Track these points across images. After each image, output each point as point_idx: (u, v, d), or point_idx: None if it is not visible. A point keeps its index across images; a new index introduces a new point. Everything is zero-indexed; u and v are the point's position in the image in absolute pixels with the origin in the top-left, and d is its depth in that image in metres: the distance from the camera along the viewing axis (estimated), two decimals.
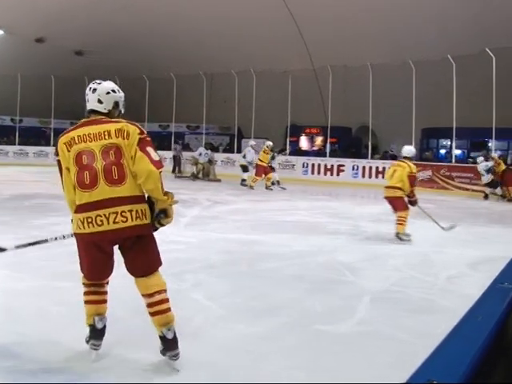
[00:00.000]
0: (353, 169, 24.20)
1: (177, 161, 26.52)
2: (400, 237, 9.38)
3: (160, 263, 3.95)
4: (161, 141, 29.52)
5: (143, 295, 3.87)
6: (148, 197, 3.87)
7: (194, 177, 23.18)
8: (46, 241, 4.34)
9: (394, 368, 3.74)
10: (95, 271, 3.93)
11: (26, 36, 29.73)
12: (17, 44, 30.17)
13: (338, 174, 24.53)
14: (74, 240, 3.96)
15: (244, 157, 21.24)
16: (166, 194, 3.84)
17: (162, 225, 3.94)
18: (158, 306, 3.81)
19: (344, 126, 30.56)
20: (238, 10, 26.31)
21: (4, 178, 20.35)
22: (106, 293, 4.04)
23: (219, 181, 23.07)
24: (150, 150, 3.79)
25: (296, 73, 27.21)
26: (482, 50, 20.61)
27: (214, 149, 27.75)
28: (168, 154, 26.39)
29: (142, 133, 3.82)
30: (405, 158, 9.97)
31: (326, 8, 24.61)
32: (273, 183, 20.05)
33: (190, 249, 7.88)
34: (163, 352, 3.84)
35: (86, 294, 3.99)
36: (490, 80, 20.09)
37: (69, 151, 3.80)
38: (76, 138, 3.81)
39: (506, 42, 20.39)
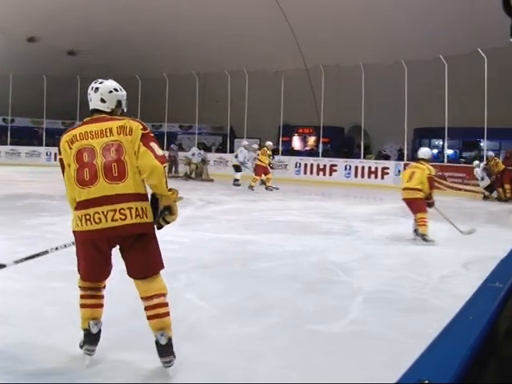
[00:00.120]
0: (345, 169, 24.23)
1: (173, 161, 26.49)
2: (425, 238, 9.33)
3: (161, 266, 3.87)
4: None
5: (141, 298, 3.80)
6: (152, 194, 3.81)
7: (187, 177, 23.16)
8: (46, 252, 4.23)
9: (386, 368, 3.74)
10: (91, 272, 3.85)
11: (18, 35, 29.65)
12: (8, 43, 30.08)
13: (330, 174, 24.56)
14: (70, 240, 3.94)
15: (236, 157, 21.23)
16: (170, 190, 3.78)
17: (167, 222, 3.87)
18: (154, 310, 3.74)
19: (336, 126, 30.58)
20: (231, 10, 26.33)
21: None
22: (102, 297, 3.97)
23: (212, 181, 23.07)
24: (153, 145, 3.75)
25: (289, 73, 27.21)
26: (474, 51, 20.67)
27: (207, 149, 27.78)
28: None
29: (144, 128, 3.79)
30: (421, 159, 9.98)
31: (319, 8, 24.65)
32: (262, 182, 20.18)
33: (183, 249, 7.88)
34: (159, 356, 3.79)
35: (82, 297, 3.91)
36: (481, 80, 20.15)
37: (70, 148, 3.77)
38: (78, 136, 3.79)
39: (498, 43, 20.43)
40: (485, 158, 19.56)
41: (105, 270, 3.88)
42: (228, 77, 27.82)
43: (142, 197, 3.74)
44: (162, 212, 3.81)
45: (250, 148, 21.35)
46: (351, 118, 27.59)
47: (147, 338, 3.81)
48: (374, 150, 29.15)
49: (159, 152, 3.77)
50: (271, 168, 20.20)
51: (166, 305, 3.79)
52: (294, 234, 10.14)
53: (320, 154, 26.63)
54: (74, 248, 3.89)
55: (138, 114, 27.92)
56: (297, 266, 7.37)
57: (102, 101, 3.92)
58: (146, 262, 3.79)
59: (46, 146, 32.07)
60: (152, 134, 3.87)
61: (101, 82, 4.01)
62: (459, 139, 28.53)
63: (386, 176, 23.30)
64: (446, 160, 23.54)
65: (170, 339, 3.73)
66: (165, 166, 3.75)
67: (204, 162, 24.07)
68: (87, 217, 3.65)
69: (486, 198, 18.60)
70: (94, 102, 3.94)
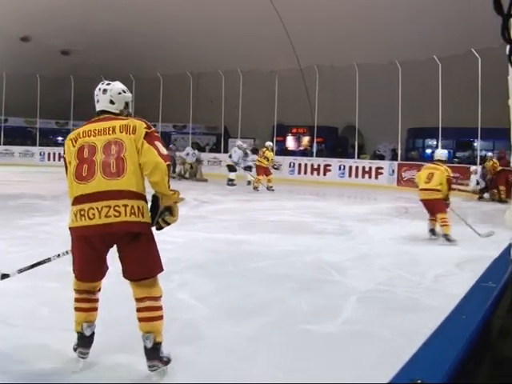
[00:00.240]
0: (339, 168, 24.27)
1: (172, 161, 26.48)
2: (448, 238, 9.39)
3: (159, 269, 3.80)
4: None
5: (134, 298, 3.75)
6: (153, 195, 3.75)
7: (181, 176, 23.15)
8: (49, 260, 4.16)
9: (380, 367, 3.73)
10: (85, 271, 3.77)
11: (12, 34, 29.54)
12: (2, 42, 29.98)
13: (324, 174, 24.60)
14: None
15: (230, 157, 21.24)
16: (171, 190, 3.76)
17: (167, 223, 3.80)
18: (144, 313, 3.70)
19: (330, 126, 30.62)
20: (225, 9, 26.31)
21: None
22: (97, 300, 3.91)
23: (206, 181, 23.05)
24: (157, 143, 3.73)
25: (283, 73, 27.21)
26: (468, 51, 20.72)
27: (201, 149, 27.77)
28: None
29: (148, 127, 3.78)
30: (439, 161, 10.05)
31: (313, 8, 24.65)
32: (249, 183, 20.36)
33: (177, 249, 7.85)
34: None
35: (76, 300, 3.86)
36: (475, 80, 20.20)
37: (74, 146, 3.78)
38: (81, 134, 3.81)
39: (492, 43, 20.47)
40: (479, 158, 19.57)
41: (99, 269, 3.81)
42: (222, 77, 27.80)
43: (139, 196, 3.67)
44: (163, 212, 3.75)
45: (243, 148, 21.35)
46: (345, 117, 27.62)
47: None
48: (367, 150, 29.19)
49: (163, 150, 3.75)
50: (276, 168, 20.23)
51: (158, 308, 3.74)
52: (288, 233, 10.15)
53: (314, 154, 26.69)
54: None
55: (132, 113, 27.89)
56: (290, 266, 7.36)
57: (111, 102, 3.94)
58: (141, 263, 3.72)
59: (40, 145, 32.04)
60: (157, 134, 3.86)
61: (108, 84, 4.03)
62: (453, 139, 28.59)
63: (380, 176, 23.35)
64: None
65: (157, 344, 3.67)
66: (168, 165, 3.71)
67: (198, 161, 24.07)
68: (82, 212, 3.61)
69: (480, 198, 18.66)
70: (103, 104, 3.95)
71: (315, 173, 24.83)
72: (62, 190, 15.51)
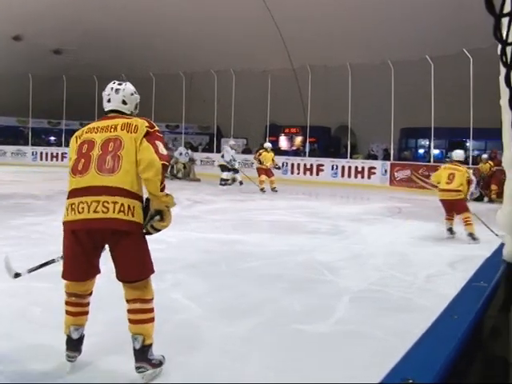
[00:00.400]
0: (332, 168, 24.30)
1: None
2: (474, 237, 9.55)
3: (150, 271, 3.74)
4: None
5: (125, 299, 3.71)
6: (146, 197, 3.69)
7: (174, 176, 23.13)
8: (53, 261, 4.11)
9: (372, 367, 3.75)
10: (71, 268, 3.69)
11: (3, 33, 29.40)
12: None
13: (317, 174, 24.62)
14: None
15: (222, 156, 21.25)
16: (166, 194, 3.69)
17: (156, 229, 3.71)
18: (134, 315, 3.67)
19: (323, 126, 30.65)
20: (218, 9, 26.29)
21: None
22: (86, 304, 3.85)
23: (199, 180, 23.06)
24: (158, 142, 3.70)
25: (275, 72, 27.21)
26: (460, 51, 20.81)
27: (194, 148, 27.76)
28: None
29: (151, 126, 3.76)
30: (457, 161, 10.25)
31: (305, 8, 24.67)
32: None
33: (170, 248, 7.85)
34: None
35: (66, 303, 3.80)
36: (467, 81, 20.29)
37: (77, 143, 3.80)
38: (85, 130, 3.83)
39: (483, 43, 20.54)
40: (471, 158, 19.59)
41: (86, 269, 3.71)
42: (215, 76, 27.80)
43: (132, 195, 3.59)
44: (153, 216, 3.65)
45: (236, 148, 21.38)
46: (338, 117, 27.67)
47: None
48: (360, 150, 29.23)
49: (162, 150, 3.71)
50: (277, 168, 20.23)
51: (148, 311, 3.70)
52: (281, 233, 10.15)
53: (307, 154, 26.70)
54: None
55: None
56: (283, 266, 7.37)
57: (124, 102, 3.96)
58: (131, 265, 3.67)
59: (32, 145, 31.94)
60: (159, 134, 3.83)
61: (120, 84, 4.04)
62: (445, 139, 28.68)
63: (372, 176, 23.39)
64: (432, 160, 23.65)
65: (145, 346, 3.65)
66: (164, 165, 3.64)
67: (191, 161, 24.08)
68: (73, 206, 3.59)
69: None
70: (115, 103, 3.95)
71: (308, 173, 24.86)
72: (54, 189, 15.59)
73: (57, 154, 30.86)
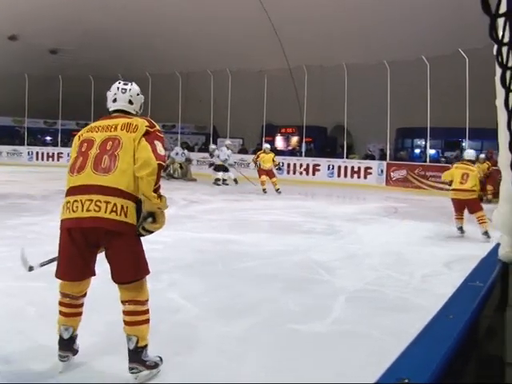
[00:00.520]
0: (328, 168, 24.32)
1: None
2: (489, 235, 9.64)
3: (144, 272, 3.70)
4: None
5: (120, 300, 3.69)
6: (139, 199, 3.62)
7: (170, 176, 23.12)
8: (54, 259, 4.08)
9: (368, 367, 3.75)
10: (65, 267, 3.66)
11: None
12: None
13: (313, 174, 24.64)
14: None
15: (218, 156, 21.30)
16: (159, 196, 3.62)
17: (148, 231, 3.66)
18: (128, 316, 3.65)
19: (319, 126, 30.66)
20: (214, 9, 26.25)
21: None
22: (80, 306, 3.82)
23: (195, 180, 23.06)
24: (156, 142, 3.66)
25: (272, 72, 27.20)
26: (456, 51, 20.82)
27: (190, 148, 27.75)
28: None
29: (151, 126, 3.72)
30: (469, 161, 10.45)
31: (302, 8, 24.66)
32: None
33: (166, 248, 7.84)
34: None
35: (59, 304, 3.78)
36: (463, 81, 20.31)
37: (79, 141, 3.80)
38: (87, 129, 3.83)
39: (479, 44, 20.57)
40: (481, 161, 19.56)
41: (81, 268, 3.67)
42: (211, 76, 27.78)
43: (126, 195, 3.54)
44: (146, 218, 3.61)
45: (232, 147, 21.41)
46: (334, 117, 27.65)
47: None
48: (356, 150, 29.23)
49: (160, 150, 3.65)
50: (278, 169, 20.22)
51: (142, 313, 3.68)
52: (277, 233, 10.15)
53: (303, 154, 26.71)
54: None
55: None
56: (279, 266, 7.37)
57: (130, 102, 3.95)
58: (125, 266, 3.63)
59: (28, 145, 31.87)
60: (160, 134, 3.78)
61: (126, 83, 4.03)
62: (441, 139, 28.72)
63: (368, 176, 23.42)
64: (428, 160, 23.68)
65: (139, 347, 3.63)
66: (160, 164, 3.58)
67: (188, 161, 24.08)
68: (68, 204, 3.59)
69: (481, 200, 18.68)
70: (121, 103, 3.93)
71: (304, 173, 24.87)
72: (51, 189, 15.56)
73: (53, 153, 30.83)
